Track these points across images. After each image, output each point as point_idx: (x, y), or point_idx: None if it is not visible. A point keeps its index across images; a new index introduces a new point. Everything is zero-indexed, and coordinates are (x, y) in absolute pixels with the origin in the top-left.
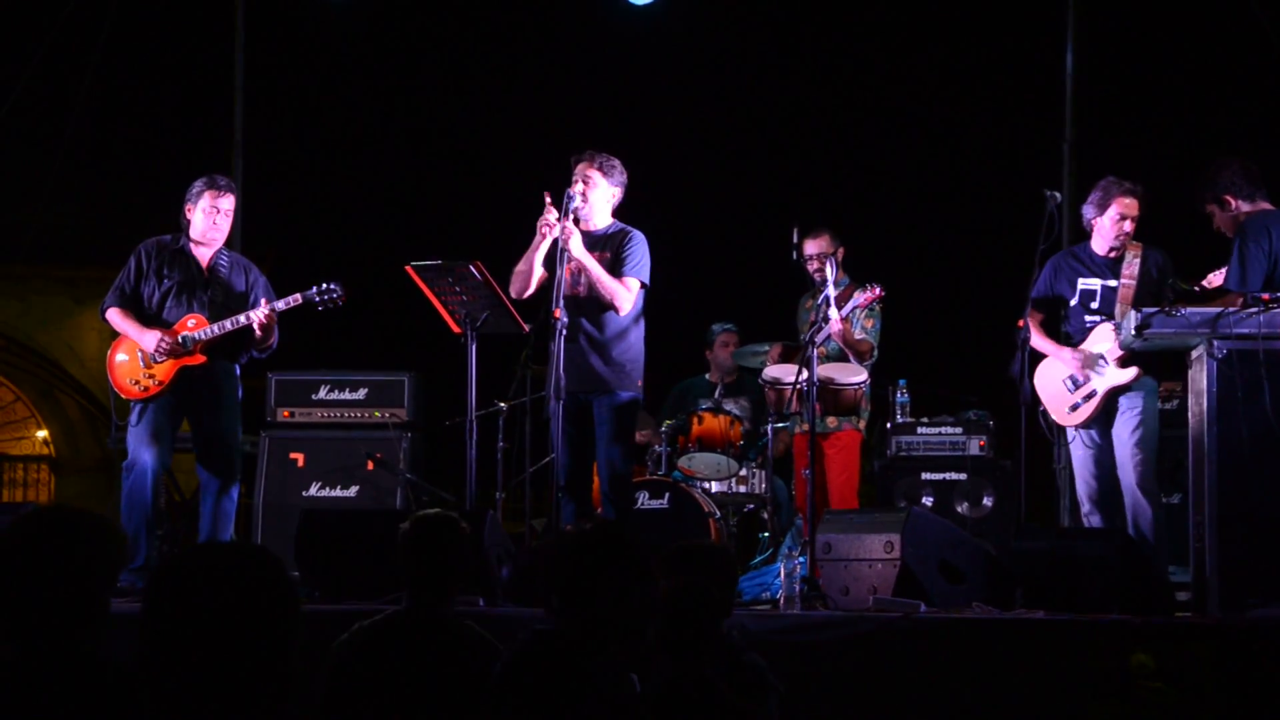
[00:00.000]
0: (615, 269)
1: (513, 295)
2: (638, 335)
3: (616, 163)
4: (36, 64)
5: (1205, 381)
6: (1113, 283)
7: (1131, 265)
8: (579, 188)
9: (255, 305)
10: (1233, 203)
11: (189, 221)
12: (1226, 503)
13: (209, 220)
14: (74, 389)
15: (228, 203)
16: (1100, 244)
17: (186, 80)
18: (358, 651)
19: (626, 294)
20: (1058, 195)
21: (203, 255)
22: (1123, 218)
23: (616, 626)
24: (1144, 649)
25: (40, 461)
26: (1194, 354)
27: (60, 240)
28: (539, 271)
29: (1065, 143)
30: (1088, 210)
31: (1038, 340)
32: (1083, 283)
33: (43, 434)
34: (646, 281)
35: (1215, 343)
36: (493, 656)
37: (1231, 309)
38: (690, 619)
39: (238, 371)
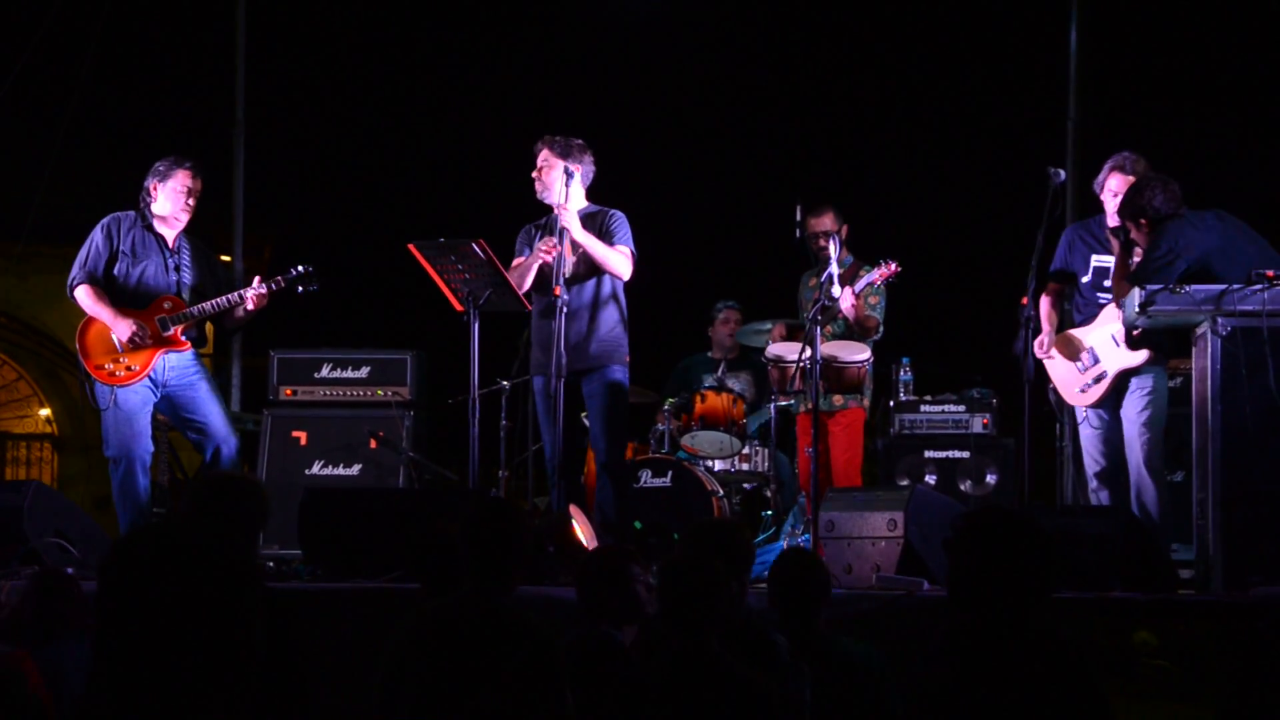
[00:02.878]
0: (607, 243)
1: None
2: (622, 312)
3: (572, 143)
4: (38, 41)
5: (1209, 359)
6: None
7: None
8: (543, 173)
9: (226, 288)
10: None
11: (152, 199)
12: (1230, 481)
13: (181, 201)
14: (77, 368)
15: (198, 185)
16: (1113, 218)
17: (188, 58)
18: (416, 638)
19: (626, 261)
20: (1061, 173)
21: (168, 236)
22: (1115, 195)
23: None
24: (1146, 627)
25: (43, 440)
26: (1198, 331)
27: (62, 219)
28: (531, 279)
29: (1069, 120)
30: (1096, 184)
31: (1045, 317)
32: (1096, 259)
33: (45, 412)
34: (635, 251)
35: (1219, 320)
36: (550, 650)
37: (1236, 286)
38: (696, 592)
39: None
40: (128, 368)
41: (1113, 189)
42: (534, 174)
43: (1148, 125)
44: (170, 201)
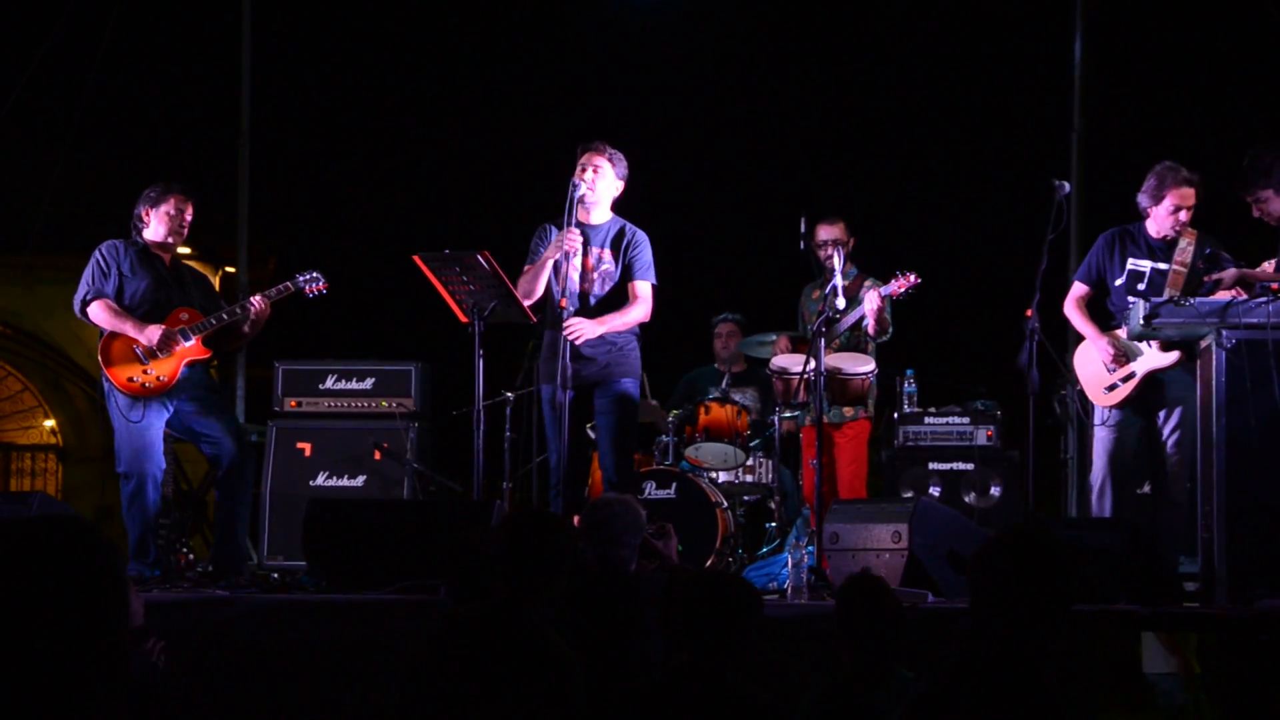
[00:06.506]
0: (625, 274)
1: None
2: (636, 328)
3: (622, 156)
4: (44, 54)
5: (1214, 372)
6: (1163, 266)
7: (1184, 252)
8: (588, 175)
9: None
10: None
11: (145, 224)
12: (1235, 493)
13: (174, 225)
14: (81, 379)
15: (190, 209)
16: (1155, 228)
17: (193, 70)
18: (438, 645)
19: (644, 308)
20: (1066, 184)
21: (164, 258)
22: (1178, 209)
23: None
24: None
25: (48, 451)
26: (1203, 344)
27: (67, 230)
28: (543, 285)
29: (1073, 132)
30: (1142, 199)
31: (1078, 320)
32: (1133, 263)
33: (50, 423)
34: (655, 283)
35: (1224, 332)
36: (570, 670)
37: (1241, 298)
38: (715, 610)
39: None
40: (157, 378)
41: (1176, 204)
42: (580, 173)
43: (1152, 136)
44: (163, 226)
